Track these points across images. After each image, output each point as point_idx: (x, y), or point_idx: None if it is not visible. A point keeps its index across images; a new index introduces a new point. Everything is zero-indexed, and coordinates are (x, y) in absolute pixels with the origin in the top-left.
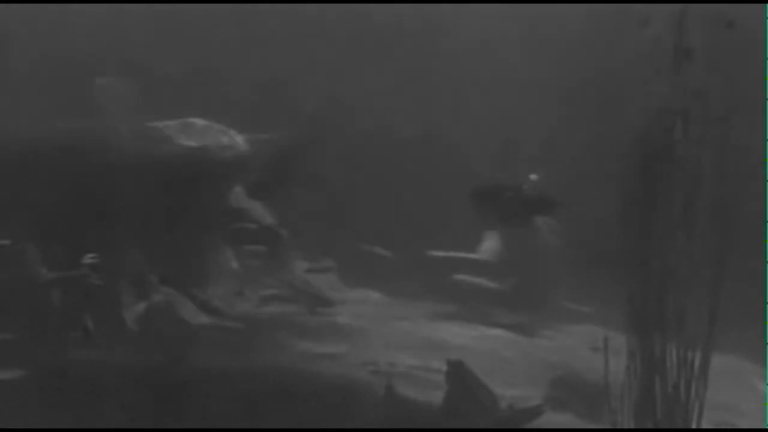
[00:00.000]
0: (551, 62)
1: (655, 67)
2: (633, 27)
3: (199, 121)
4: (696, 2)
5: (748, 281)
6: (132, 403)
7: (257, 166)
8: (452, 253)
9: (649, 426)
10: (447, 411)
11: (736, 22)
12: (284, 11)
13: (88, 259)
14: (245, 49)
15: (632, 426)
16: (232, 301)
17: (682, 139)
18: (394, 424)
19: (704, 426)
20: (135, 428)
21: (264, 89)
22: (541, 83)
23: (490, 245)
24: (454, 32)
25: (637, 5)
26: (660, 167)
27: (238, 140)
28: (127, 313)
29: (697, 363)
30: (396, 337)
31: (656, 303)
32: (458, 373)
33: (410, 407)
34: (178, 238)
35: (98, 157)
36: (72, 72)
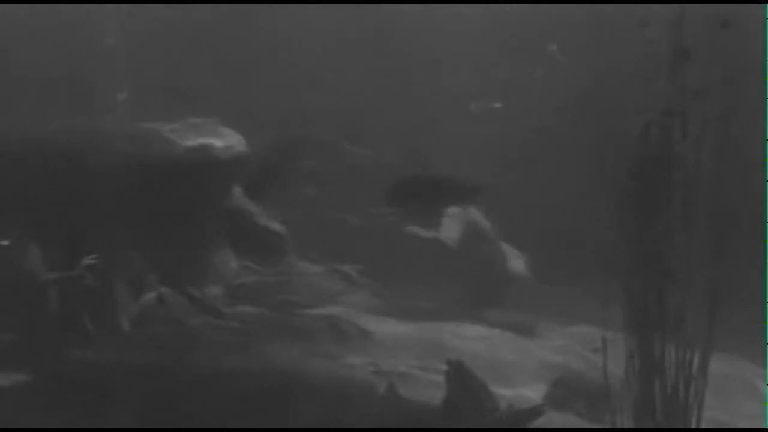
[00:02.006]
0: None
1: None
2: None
3: (199, 121)
4: (695, 2)
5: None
6: (129, 403)
7: (253, 165)
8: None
9: (649, 426)
10: (447, 411)
11: (734, 22)
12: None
13: (88, 260)
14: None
15: (632, 426)
16: (231, 301)
17: (680, 139)
18: (394, 424)
19: (704, 426)
20: (134, 428)
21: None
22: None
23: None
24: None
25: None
26: (659, 167)
27: (238, 140)
28: (122, 313)
29: (696, 363)
30: (396, 336)
31: (655, 303)
32: (458, 373)
33: (410, 407)
34: (177, 238)
35: (97, 158)
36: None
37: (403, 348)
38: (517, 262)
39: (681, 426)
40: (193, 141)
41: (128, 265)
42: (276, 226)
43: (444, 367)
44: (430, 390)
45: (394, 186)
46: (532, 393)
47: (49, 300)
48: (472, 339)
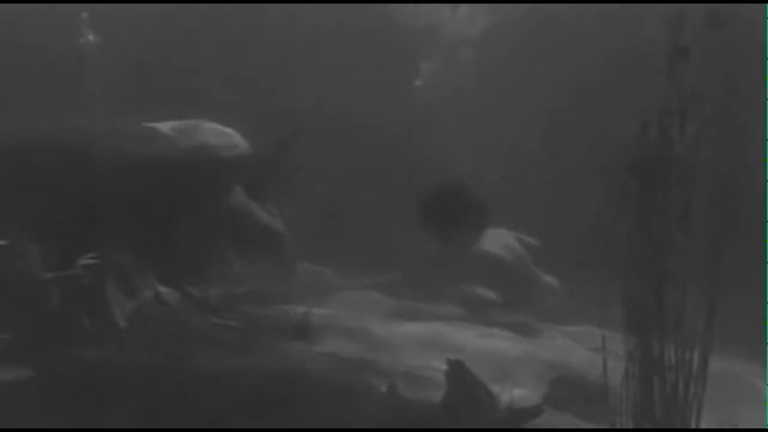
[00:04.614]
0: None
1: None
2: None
3: (199, 121)
4: (694, 2)
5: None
6: (129, 403)
7: (253, 165)
8: None
9: (649, 426)
10: (446, 411)
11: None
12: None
13: (86, 259)
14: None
15: (632, 426)
16: (231, 301)
17: (679, 138)
18: (393, 424)
19: (703, 426)
20: (134, 428)
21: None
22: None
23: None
24: None
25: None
26: (658, 167)
27: (238, 140)
28: (118, 312)
29: (696, 363)
30: (396, 336)
31: (654, 303)
32: (458, 373)
33: (410, 407)
34: (178, 237)
35: (97, 156)
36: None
37: (403, 348)
38: (548, 300)
39: (681, 426)
40: (195, 140)
41: (124, 264)
42: (277, 225)
43: (444, 367)
44: (430, 390)
45: (430, 207)
46: (532, 393)
47: (48, 299)
48: (473, 338)
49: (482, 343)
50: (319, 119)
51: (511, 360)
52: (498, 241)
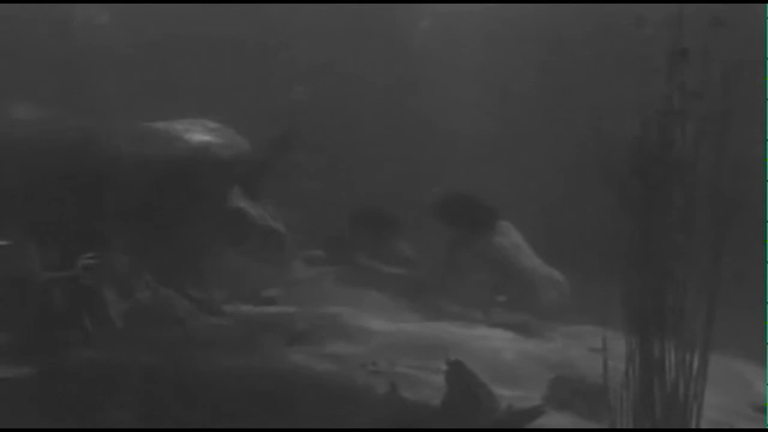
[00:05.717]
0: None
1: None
2: None
3: (199, 121)
4: (694, 2)
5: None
6: (129, 403)
7: (252, 164)
8: None
9: (648, 426)
10: (446, 411)
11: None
12: None
13: (85, 259)
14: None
15: (632, 426)
16: (231, 301)
17: (679, 138)
18: (393, 424)
19: (703, 426)
20: (134, 428)
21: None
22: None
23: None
24: None
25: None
26: (657, 167)
27: (238, 139)
28: (114, 312)
29: (695, 363)
30: (396, 336)
31: (654, 303)
32: (458, 373)
33: (410, 407)
34: (178, 237)
35: (97, 158)
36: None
37: (403, 348)
38: (551, 293)
39: (680, 426)
40: (194, 140)
41: (123, 265)
42: (276, 225)
43: (444, 367)
44: (430, 390)
45: (444, 203)
46: (532, 393)
47: (48, 299)
48: (473, 338)
49: (483, 343)
50: (318, 109)
51: (511, 360)
52: (504, 236)
